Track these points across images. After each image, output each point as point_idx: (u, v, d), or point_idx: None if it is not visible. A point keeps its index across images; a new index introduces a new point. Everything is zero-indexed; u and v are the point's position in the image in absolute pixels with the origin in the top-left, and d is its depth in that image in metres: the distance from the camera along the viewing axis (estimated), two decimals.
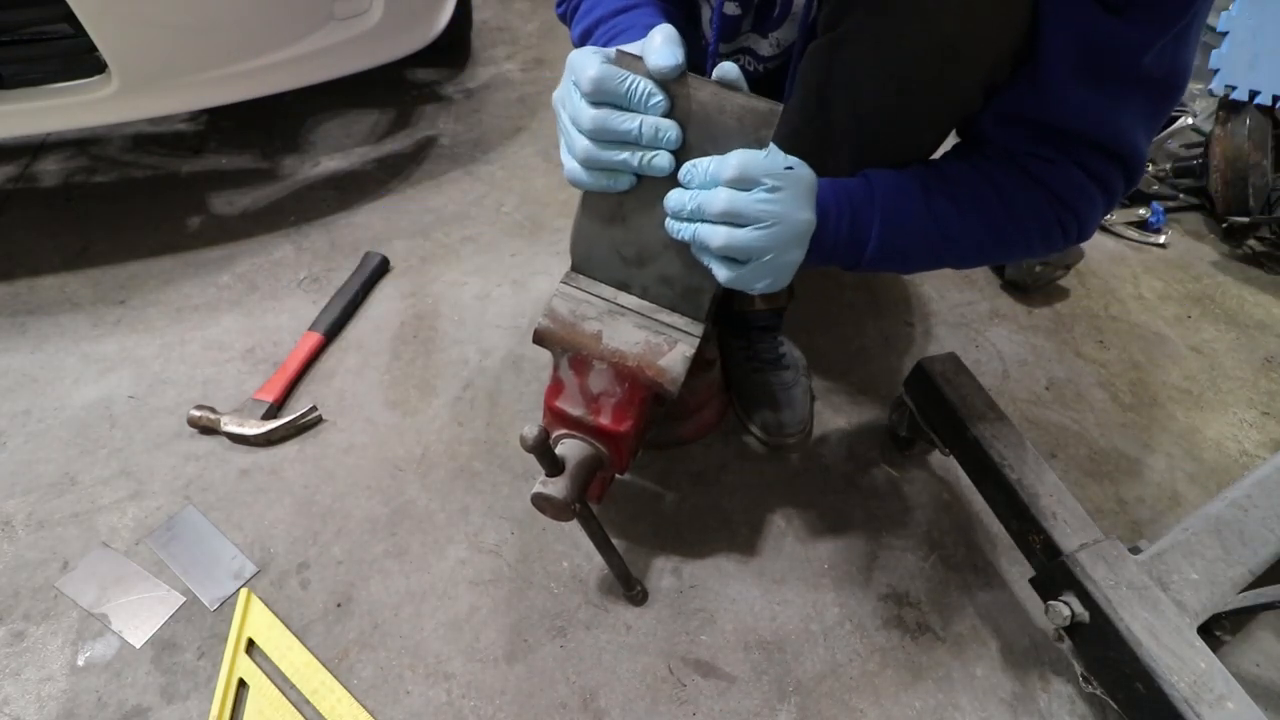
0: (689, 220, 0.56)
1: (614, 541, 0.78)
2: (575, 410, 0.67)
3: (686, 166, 0.55)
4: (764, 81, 0.80)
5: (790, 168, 0.54)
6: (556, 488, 0.66)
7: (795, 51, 0.73)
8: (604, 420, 0.67)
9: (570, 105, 0.55)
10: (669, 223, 0.57)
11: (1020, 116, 0.62)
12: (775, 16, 0.73)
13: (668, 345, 0.64)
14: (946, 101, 0.64)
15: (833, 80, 0.65)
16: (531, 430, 0.60)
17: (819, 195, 0.58)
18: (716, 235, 0.54)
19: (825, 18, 0.66)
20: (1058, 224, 0.65)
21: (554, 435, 0.70)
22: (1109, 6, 0.54)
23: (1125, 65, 0.57)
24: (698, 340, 0.65)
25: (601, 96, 0.53)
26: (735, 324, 1.03)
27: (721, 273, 0.57)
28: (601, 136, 0.54)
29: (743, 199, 0.52)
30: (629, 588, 0.81)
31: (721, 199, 0.52)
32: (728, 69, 0.54)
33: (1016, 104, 0.62)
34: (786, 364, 1.02)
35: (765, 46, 0.78)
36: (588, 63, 0.53)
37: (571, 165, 0.57)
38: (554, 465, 0.65)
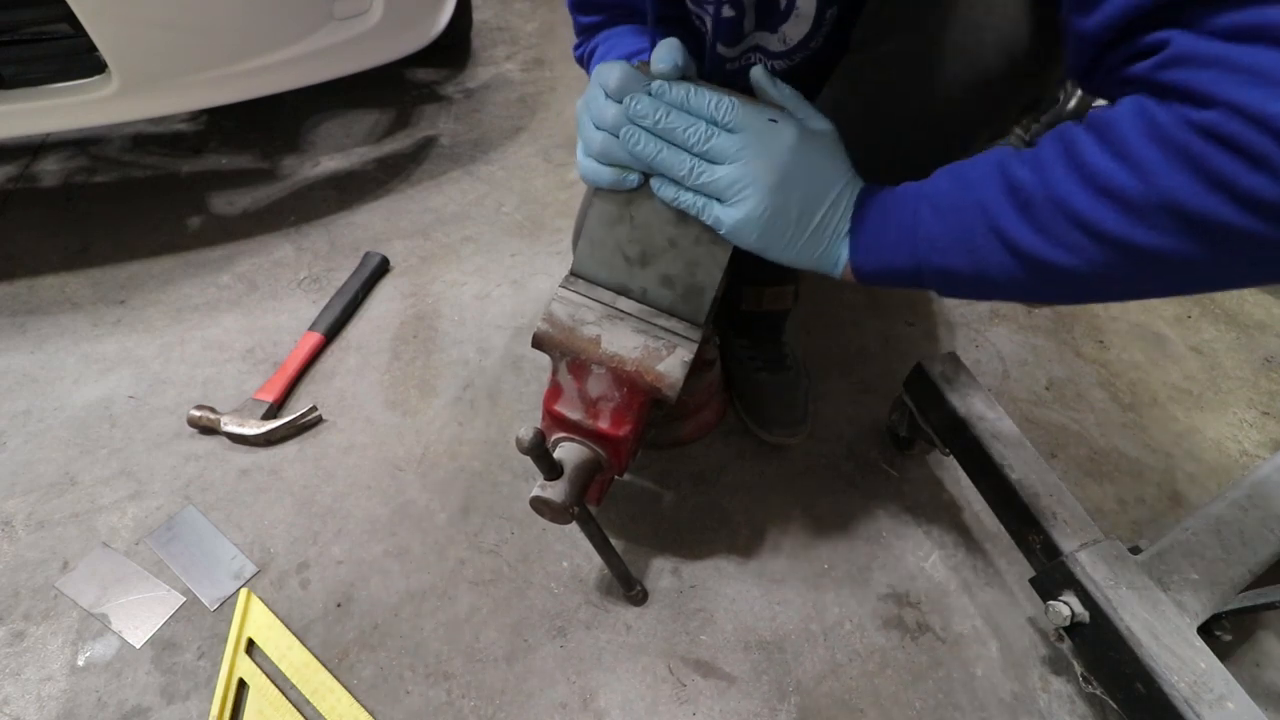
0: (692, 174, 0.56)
1: (614, 542, 0.78)
2: (574, 414, 0.67)
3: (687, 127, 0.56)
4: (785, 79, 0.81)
5: (774, 120, 0.55)
6: (555, 491, 0.66)
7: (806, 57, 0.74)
8: (602, 424, 0.67)
9: (594, 107, 0.59)
10: (674, 193, 0.58)
11: None
12: (781, 12, 0.73)
13: (666, 350, 0.64)
14: (982, 124, 0.65)
15: (866, 99, 0.66)
16: (527, 433, 0.60)
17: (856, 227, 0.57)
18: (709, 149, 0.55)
19: (861, 35, 0.66)
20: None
21: (553, 438, 0.70)
22: None
23: None
24: (696, 345, 0.65)
25: (623, 95, 0.58)
26: (739, 323, 1.03)
27: (728, 214, 0.56)
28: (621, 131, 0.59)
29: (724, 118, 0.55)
30: (629, 588, 0.81)
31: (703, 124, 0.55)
32: (757, 73, 0.59)
33: None
34: (789, 365, 1.02)
35: (774, 42, 0.78)
36: (613, 68, 0.58)
37: (587, 163, 0.61)
38: (551, 468, 0.65)
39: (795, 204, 0.55)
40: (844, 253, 0.56)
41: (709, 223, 0.58)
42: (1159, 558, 0.73)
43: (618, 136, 0.57)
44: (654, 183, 0.59)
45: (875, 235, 0.55)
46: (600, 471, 0.71)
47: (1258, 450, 1.12)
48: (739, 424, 1.03)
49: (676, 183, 0.58)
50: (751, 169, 0.54)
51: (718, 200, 0.56)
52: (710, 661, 0.80)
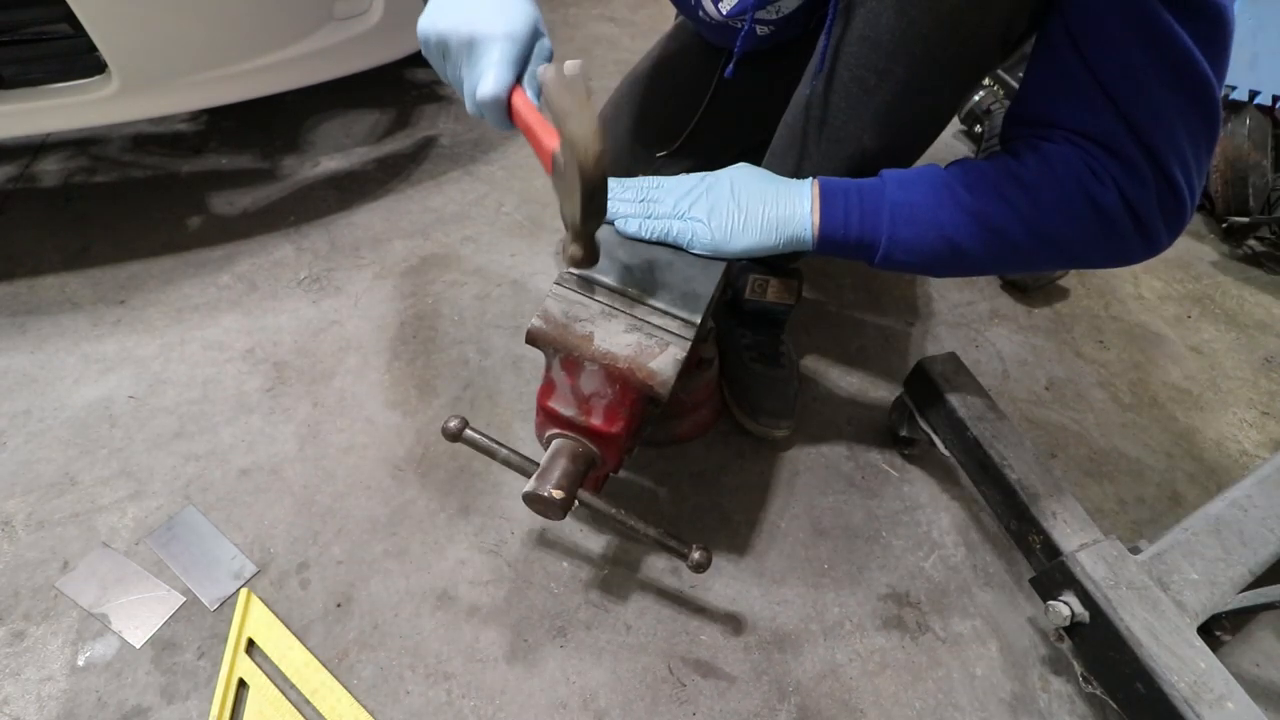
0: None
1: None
2: (567, 410, 0.67)
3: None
4: (784, 49, 0.86)
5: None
6: (548, 487, 0.66)
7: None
8: (595, 421, 0.67)
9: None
10: (639, 225, 0.70)
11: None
12: None
13: (659, 348, 0.64)
14: (966, 54, 0.66)
15: (854, 38, 0.68)
16: (454, 423, 0.68)
17: (826, 184, 0.70)
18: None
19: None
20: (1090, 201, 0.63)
21: (546, 434, 0.71)
22: None
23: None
24: (689, 343, 0.65)
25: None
26: (742, 315, 1.03)
27: (700, 228, 0.69)
28: None
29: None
30: (684, 556, 0.72)
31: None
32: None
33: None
34: (784, 363, 1.02)
35: (770, 10, 0.82)
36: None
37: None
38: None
39: (743, 208, 0.70)
40: (806, 235, 0.69)
41: (686, 240, 0.69)
42: (1159, 558, 0.73)
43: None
44: (619, 222, 0.70)
45: (844, 219, 0.69)
46: (594, 468, 0.71)
47: (1258, 450, 1.12)
48: (738, 424, 1.03)
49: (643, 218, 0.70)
50: (712, 199, 0.69)
51: (695, 220, 0.69)
52: (710, 661, 0.80)
